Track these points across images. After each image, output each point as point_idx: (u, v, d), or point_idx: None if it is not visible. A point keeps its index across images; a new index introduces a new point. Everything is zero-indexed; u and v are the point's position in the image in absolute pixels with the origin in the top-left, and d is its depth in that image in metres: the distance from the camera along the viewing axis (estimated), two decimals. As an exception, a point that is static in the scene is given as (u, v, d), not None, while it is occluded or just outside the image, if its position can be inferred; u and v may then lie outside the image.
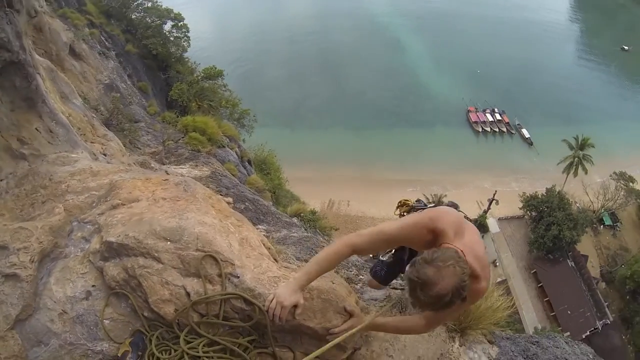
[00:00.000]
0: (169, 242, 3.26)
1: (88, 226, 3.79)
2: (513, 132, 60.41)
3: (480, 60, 71.49)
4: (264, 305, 3.01)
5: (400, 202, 4.07)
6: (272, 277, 3.28)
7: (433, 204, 3.72)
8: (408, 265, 2.46)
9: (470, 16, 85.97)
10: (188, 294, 3.12)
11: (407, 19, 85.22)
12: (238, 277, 3.18)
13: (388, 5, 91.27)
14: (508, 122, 61.45)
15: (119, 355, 3.06)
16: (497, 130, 60.44)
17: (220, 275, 3.17)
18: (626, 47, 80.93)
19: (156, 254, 3.22)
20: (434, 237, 2.74)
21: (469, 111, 62.44)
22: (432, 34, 79.57)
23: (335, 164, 51.19)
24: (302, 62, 72.07)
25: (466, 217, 3.21)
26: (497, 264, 43.35)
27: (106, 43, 26.44)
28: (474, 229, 3.00)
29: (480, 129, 60.16)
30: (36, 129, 4.79)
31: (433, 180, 49.96)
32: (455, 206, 3.49)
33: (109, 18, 33.74)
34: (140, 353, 3.05)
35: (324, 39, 77.79)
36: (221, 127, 18.88)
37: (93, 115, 9.34)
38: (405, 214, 3.85)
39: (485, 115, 61.73)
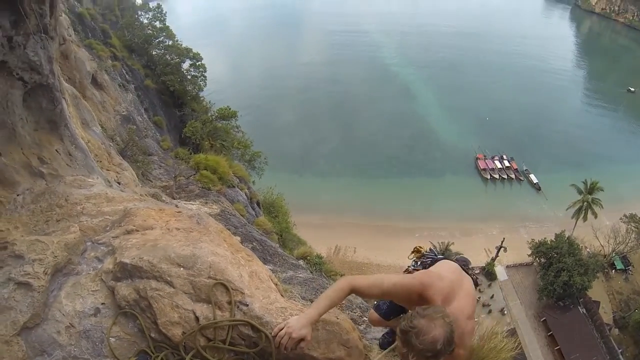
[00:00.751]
0: (182, 268, 3.37)
1: (102, 247, 3.91)
2: (522, 178, 60.21)
3: (488, 108, 72.56)
4: (271, 333, 3.06)
5: (415, 248, 4.25)
6: (279, 307, 3.34)
7: (442, 256, 3.86)
8: (401, 319, 2.62)
9: (478, 65, 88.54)
10: (197, 318, 3.18)
11: (417, 68, 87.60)
12: (247, 305, 3.27)
13: (398, 55, 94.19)
14: (516, 169, 61.29)
15: None
16: (505, 177, 60.21)
17: (230, 303, 3.26)
18: (632, 89, 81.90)
19: (169, 278, 3.32)
20: (422, 301, 2.89)
21: (477, 158, 62.56)
22: (442, 82, 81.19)
23: (343, 211, 51.14)
24: (314, 108, 73.40)
25: (467, 270, 3.56)
26: (505, 312, 42.48)
27: (127, 76, 27.22)
28: (467, 290, 3.23)
29: (488, 176, 60.04)
30: (56, 150, 5.02)
31: (441, 228, 49.66)
32: (464, 261, 3.75)
33: (131, 52, 34.95)
34: None
35: (335, 86, 79.58)
36: (232, 167, 19.13)
37: (110, 144, 9.55)
38: (417, 260, 4.05)
39: (493, 162, 61.72)
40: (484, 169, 60.71)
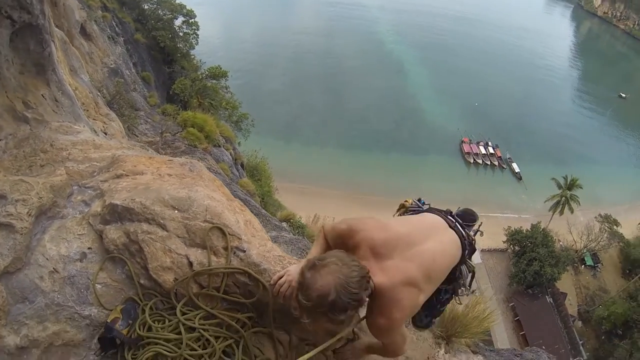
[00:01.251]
0: (176, 211, 3.26)
1: (89, 191, 3.78)
2: (504, 166, 60.70)
3: (479, 94, 72.46)
4: (269, 282, 2.97)
5: (400, 204, 3.81)
6: (277, 255, 3.25)
7: (427, 208, 3.50)
8: None
9: (474, 51, 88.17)
10: (190, 264, 3.09)
11: (412, 46, 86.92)
12: (244, 251, 3.17)
13: (394, 32, 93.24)
14: (500, 157, 61.74)
15: (109, 321, 2.94)
16: (488, 163, 60.68)
17: (226, 249, 3.15)
18: (623, 95, 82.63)
19: (162, 221, 3.20)
20: (351, 250, 2.49)
21: (462, 142, 62.74)
22: (435, 64, 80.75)
23: (325, 180, 51.10)
24: (305, 77, 72.60)
25: (460, 228, 3.05)
26: (477, 294, 43.27)
27: (116, 28, 26.53)
28: (431, 252, 2.62)
29: (472, 160, 60.39)
30: (42, 95, 4.80)
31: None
32: (464, 216, 3.36)
33: (122, 5, 33.97)
34: (130, 321, 2.94)
35: (328, 57, 78.62)
36: (219, 127, 19.00)
37: (98, 94, 9.35)
38: (402, 215, 3.63)
39: (478, 147, 62.01)
40: (468, 153, 60.96)
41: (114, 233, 3.26)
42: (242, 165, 19.44)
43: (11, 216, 3.15)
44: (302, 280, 2.20)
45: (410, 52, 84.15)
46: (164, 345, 2.81)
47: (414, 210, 3.52)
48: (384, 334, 2.54)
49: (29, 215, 3.25)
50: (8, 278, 3.02)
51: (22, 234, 3.13)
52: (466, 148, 61.71)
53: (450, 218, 3.10)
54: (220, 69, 33.46)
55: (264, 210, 9.73)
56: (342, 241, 2.59)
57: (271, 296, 2.94)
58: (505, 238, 45.81)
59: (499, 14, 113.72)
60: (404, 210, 3.66)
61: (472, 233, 3.30)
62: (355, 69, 75.35)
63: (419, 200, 3.68)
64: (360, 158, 55.77)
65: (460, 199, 51.25)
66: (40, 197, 3.39)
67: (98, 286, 3.15)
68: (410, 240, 2.56)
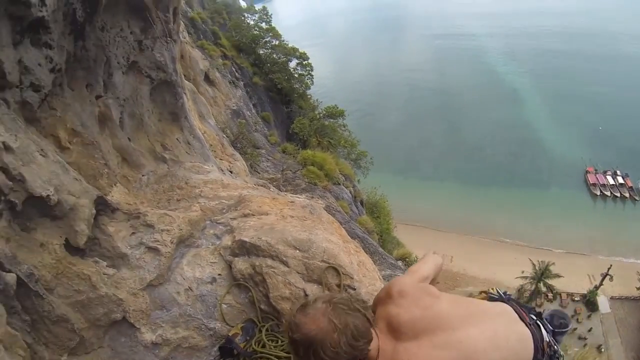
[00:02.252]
0: (297, 251, 3.78)
1: (220, 226, 4.43)
2: (637, 198, 53.98)
3: (601, 117, 66.00)
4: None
5: (482, 291, 3.24)
6: None
7: (510, 295, 2.89)
8: None
9: (591, 70, 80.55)
10: (306, 296, 3.51)
11: (523, 72, 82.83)
12: (355, 289, 3.57)
13: (503, 59, 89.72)
14: (631, 187, 55.04)
15: (230, 335, 3.49)
16: (618, 194, 54.31)
17: (339, 286, 3.58)
18: None
19: (284, 258, 3.73)
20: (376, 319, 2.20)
21: (587, 172, 57.29)
22: (550, 88, 75.58)
23: (443, 217, 49.99)
24: (419, 112, 72.72)
25: (534, 324, 2.38)
26: (603, 349, 38.91)
27: (236, 74, 28.70)
28: (472, 343, 2.06)
29: (598, 193, 54.71)
30: (177, 139, 5.77)
31: (542, 245, 46.60)
32: (521, 306, 2.53)
33: (240, 52, 36.75)
34: (248, 338, 3.47)
35: (441, 90, 78.01)
36: (338, 165, 19.49)
37: (223, 135, 10.23)
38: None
39: (605, 177, 56.08)
40: (594, 184, 55.37)
41: (241, 264, 3.87)
42: (361, 203, 19.68)
43: (157, 242, 3.93)
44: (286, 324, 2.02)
45: (523, 79, 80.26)
46: (275, 361, 3.15)
47: (493, 299, 2.82)
48: None
49: (172, 242, 4.00)
50: (152, 289, 3.75)
51: (165, 257, 3.88)
52: (591, 179, 56.15)
53: (531, 315, 2.47)
54: (337, 108, 34.45)
55: (380, 249, 9.88)
56: (374, 308, 2.29)
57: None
58: (639, 284, 40.63)
59: (612, 25, 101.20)
60: (484, 297, 3.07)
61: (555, 342, 2.48)
62: (469, 101, 73.70)
63: (505, 293, 2.95)
64: (478, 193, 53.92)
65: (584, 238, 47.31)
66: (181, 229, 4.13)
67: (224, 306, 3.79)
68: (449, 323, 2.08)
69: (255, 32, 39.62)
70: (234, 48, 36.11)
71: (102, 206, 3.80)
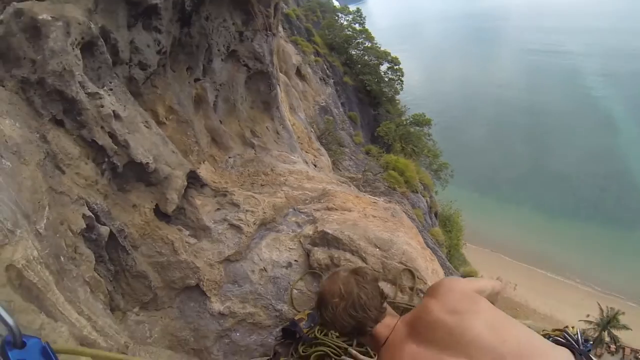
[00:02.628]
0: (377, 249, 3.82)
1: (302, 215, 4.55)
2: None
3: None
4: None
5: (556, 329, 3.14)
6: None
7: (590, 345, 2.37)
8: None
9: None
10: None
11: (625, 99, 73.46)
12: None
13: (602, 82, 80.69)
14: None
15: (295, 319, 3.55)
16: None
17: (412, 289, 3.58)
18: None
19: (363, 254, 3.78)
20: None
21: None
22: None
23: (515, 243, 46.61)
24: (505, 129, 68.62)
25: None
26: None
27: (327, 71, 29.14)
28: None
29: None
30: (267, 127, 6.01)
31: (617, 291, 41.84)
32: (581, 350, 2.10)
33: (332, 50, 37.21)
34: (312, 325, 3.49)
35: (531, 106, 73.01)
36: (419, 173, 19.34)
37: (310, 129, 10.49)
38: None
39: None
40: None
41: (320, 254, 3.94)
42: (435, 214, 19.44)
43: (241, 221, 4.12)
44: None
45: (620, 105, 71.58)
46: (333, 349, 3.19)
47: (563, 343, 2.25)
48: None
49: (254, 223, 4.17)
50: (228, 264, 3.94)
51: (246, 236, 4.05)
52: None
53: None
54: (425, 116, 34.11)
55: (448, 263, 9.78)
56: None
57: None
58: None
59: None
60: (559, 334, 2.84)
61: None
62: (559, 125, 67.84)
63: (586, 340, 2.38)
64: (555, 225, 49.23)
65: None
66: (265, 212, 4.31)
67: (295, 291, 3.87)
68: (467, 347, 1.76)
69: (348, 33, 39.98)
70: (326, 46, 36.69)
71: (193, 180, 4.05)
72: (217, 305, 3.72)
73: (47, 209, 2.35)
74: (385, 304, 2.02)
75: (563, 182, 55.52)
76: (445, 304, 1.86)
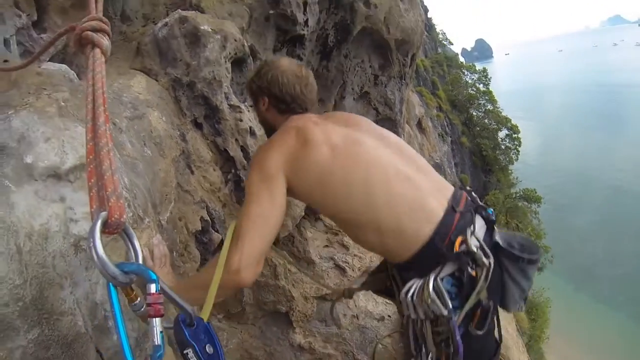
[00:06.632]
0: None
1: None
2: None
3: None
4: None
5: None
6: None
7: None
8: None
9: None
10: None
11: None
12: None
13: None
14: None
15: None
16: None
17: None
18: None
19: None
20: None
21: None
22: None
23: (603, 351, 41.68)
24: (618, 217, 62.18)
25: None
26: None
27: (446, 128, 28.90)
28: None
29: None
30: None
31: None
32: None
33: (453, 107, 36.77)
34: None
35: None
36: (515, 250, 18.23)
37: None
38: None
39: None
40: None
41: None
42: (525, 299, 18.23)
43: (347, 264, 4.08)
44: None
45: None
46: None
47: None
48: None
49: (359, 269, 4.07)
50: (322, 301, 3.85)
51: (348, 279, 3.98)
52: None
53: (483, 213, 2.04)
54: (535, 192, 32.70)
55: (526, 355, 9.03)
56: None
57: None
58: None
59: None
60: None
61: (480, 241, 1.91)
62: None
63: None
64: None
65: None
66: (372, 261, 4.20)
67: (379, 346, 3.70)
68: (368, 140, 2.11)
69: (472, 92, 39.48)
70: (449, 102, 36.42)
71: (309, 211, 4.12)
72: (299, 337, 3.67)
73: (172, 203, 2.47)
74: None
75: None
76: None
